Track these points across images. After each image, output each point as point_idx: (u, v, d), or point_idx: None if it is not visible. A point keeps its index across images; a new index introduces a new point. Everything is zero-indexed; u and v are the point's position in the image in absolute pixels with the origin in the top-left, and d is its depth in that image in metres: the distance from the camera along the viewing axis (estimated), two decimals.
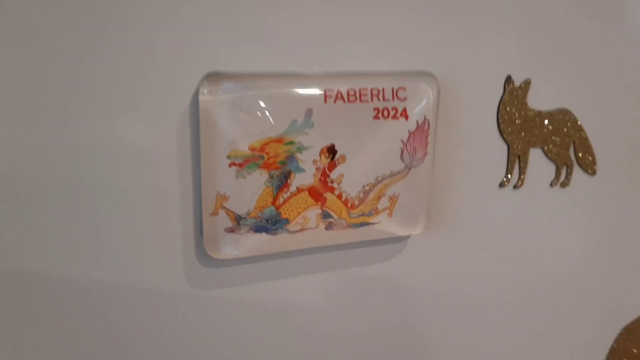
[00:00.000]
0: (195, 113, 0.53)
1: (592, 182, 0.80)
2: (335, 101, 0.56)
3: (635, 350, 0.98)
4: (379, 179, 0.60)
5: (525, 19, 0.68)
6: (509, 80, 0.70)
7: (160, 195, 0.54)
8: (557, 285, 0.82)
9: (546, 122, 0.74)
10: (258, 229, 0.56)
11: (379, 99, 0.58)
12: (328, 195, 0.58)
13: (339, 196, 0.59)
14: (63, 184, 0.51)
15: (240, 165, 0.54)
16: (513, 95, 0.71)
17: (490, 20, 0.66)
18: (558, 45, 0.71)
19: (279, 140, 0.55)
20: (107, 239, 0.54)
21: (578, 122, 0.76)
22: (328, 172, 0.57)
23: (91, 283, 0.54)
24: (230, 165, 0.54)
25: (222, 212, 0.55)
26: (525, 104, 0.72)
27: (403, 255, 0.68)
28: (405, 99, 0.59)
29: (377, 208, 0.61)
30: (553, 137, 0.75)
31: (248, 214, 0.56)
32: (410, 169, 0.61)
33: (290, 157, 0.56)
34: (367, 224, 0.61)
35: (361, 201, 0.60)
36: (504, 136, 0.72)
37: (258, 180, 0.55)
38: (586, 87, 0.75)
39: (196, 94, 0.53)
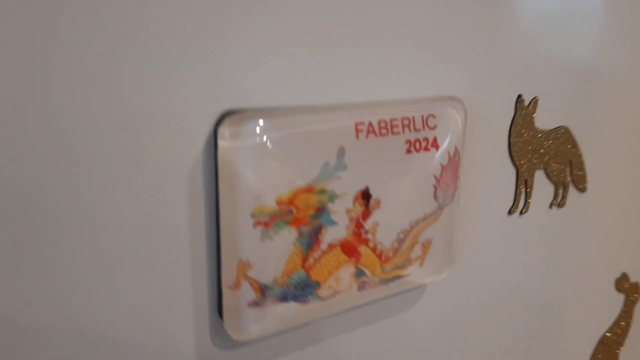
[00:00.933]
0: (209, 163, 0.42)
1: (583, 200, 0.76)
2: (367, 135, 0.47)
3: None
4: (413, 224, 0.52)
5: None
6: (519, 99, 0.64)
7: (168, 268, 0.43)
8: (554, 307, 0.78)
9: (550, 142, 0.69)
10: (285, 297, 0.46)
11: (410, 130, 0.50)
12: (362, 249, 0.49)
13: (374, 249, 0.50)
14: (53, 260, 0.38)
15: (266, 224, 0.44)
16: (523, 115, 0.65)
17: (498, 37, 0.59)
18: (552, 62, 0.66)
19: (309, 189, 0.45)
20: (104, 328, 0.41)
21: (575, 139, 0.72)
22: (362, 221, 0.48)
23: None
24: (255, 226, 0.43)
25: (244, 283, 0.44)
26: (533, 125, 0.66)
27: (422, 302, 0.60)
28: (435, 127, 0.52)
29: (410, 258, 0.53)
30: (556, 157, 0.70)
31: (275, 281, 0.45)
32: (442, 208, 0.53)
33: (321, 209, 0.46)
34: (399, 277, 0.53)
35: (395, 252, 0.51)
36: (515, 160, 0.66)
37: (286, 240, 0.45)
38: (577, 103, 0.71)
39: (211, 139, 0.42)
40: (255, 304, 0.45)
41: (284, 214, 0.44)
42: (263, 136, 0.42)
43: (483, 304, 0.67)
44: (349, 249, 0.48)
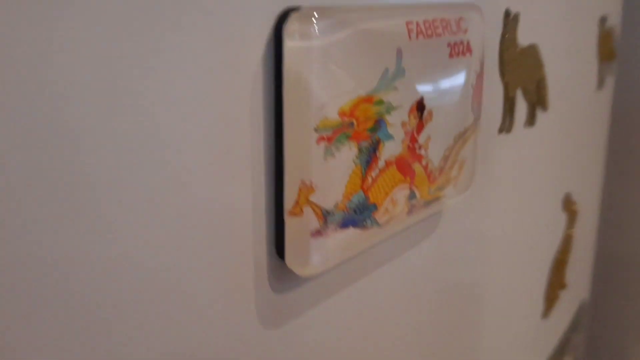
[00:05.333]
0: (270, 68, 0.35)
1: (546, 117, 0.77)
2: (417, 36, 0.43)
3: None
4: (456, 138, 0.48)
5: None
6: (507, 13, 0.62)
7: (226, 197, 0.35)
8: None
9: (527, 59, 0.68)
10: (346, 223, 0.41)
11: (448, 32, 0.46)
12: (416, 167, 0.44)
13: (425, 167, 0.45)
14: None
15: (329, 139, 0.38)
16: (510, 30, 0.63)
17: None
18: None
19: (368, 99, 0.40)
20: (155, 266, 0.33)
21: (541, 59, 0.72)
22: (416, 135, 0.44)
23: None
24: (318, 141, 0.37)
25: (307, 210, 0.38)
26: (516, 40, 0.65)
27: (443, 223, 0.57)
28: (467, 30, 0.48)
29: (449, 178, 0.49)
30: (531, 76, 0.70)
31: (336, 206, 0.40)
32: (476, 122, 0.50)
33: (379, 121, 0.41)
34: (438, 199, 0.49)
35: (441, 171, 0.47)
36: (503, 77, 0.64)
37: (347, 158, 0.39)
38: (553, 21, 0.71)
39: (273, 40, 0.35)
40: (318, 233, 0.39)
41: (345, 126, 0.38)
42: (328, 37, 0.36)
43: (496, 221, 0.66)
44: (404, 167, 0.43)
